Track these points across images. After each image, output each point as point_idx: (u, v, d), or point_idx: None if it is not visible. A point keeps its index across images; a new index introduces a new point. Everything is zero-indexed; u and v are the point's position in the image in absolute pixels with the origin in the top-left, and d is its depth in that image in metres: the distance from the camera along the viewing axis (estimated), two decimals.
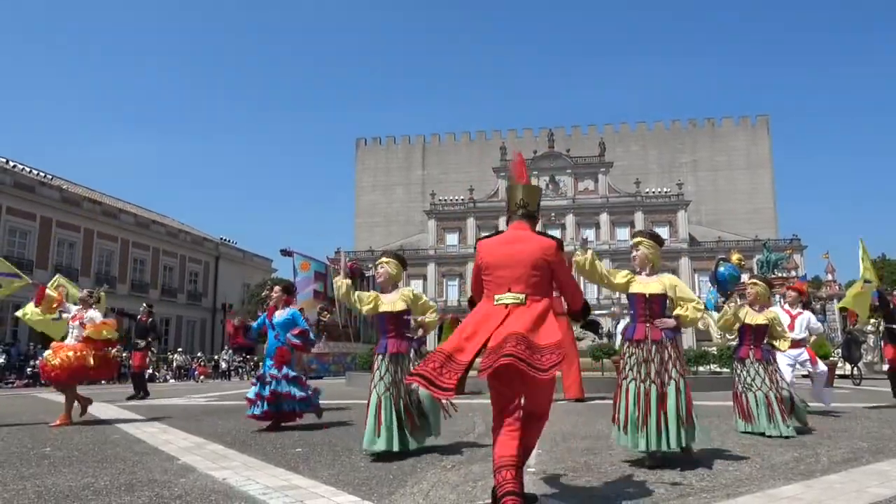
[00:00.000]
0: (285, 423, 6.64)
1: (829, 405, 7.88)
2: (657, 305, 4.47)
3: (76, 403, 7.59)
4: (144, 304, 13.99)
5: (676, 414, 4.26)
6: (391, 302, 4.99)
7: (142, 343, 12.91)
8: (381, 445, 4.66)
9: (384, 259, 5.18)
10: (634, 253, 4.67)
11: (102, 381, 13.74)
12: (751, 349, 6.02)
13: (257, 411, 6.57)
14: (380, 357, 4.98)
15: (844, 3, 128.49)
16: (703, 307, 4.62)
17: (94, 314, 7.58)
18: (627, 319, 5.28)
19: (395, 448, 4.68)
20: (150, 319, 13.34)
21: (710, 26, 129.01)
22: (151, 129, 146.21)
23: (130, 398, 11.92)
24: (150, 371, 20.89)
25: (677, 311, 4.47)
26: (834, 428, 6.41)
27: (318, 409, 6.81)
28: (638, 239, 4.69)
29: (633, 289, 4.52)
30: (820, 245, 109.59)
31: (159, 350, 32.82)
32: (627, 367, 4.45)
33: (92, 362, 7.31)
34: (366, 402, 4.94)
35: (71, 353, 7.30)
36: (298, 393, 6.58)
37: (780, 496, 3.46)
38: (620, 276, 4.56)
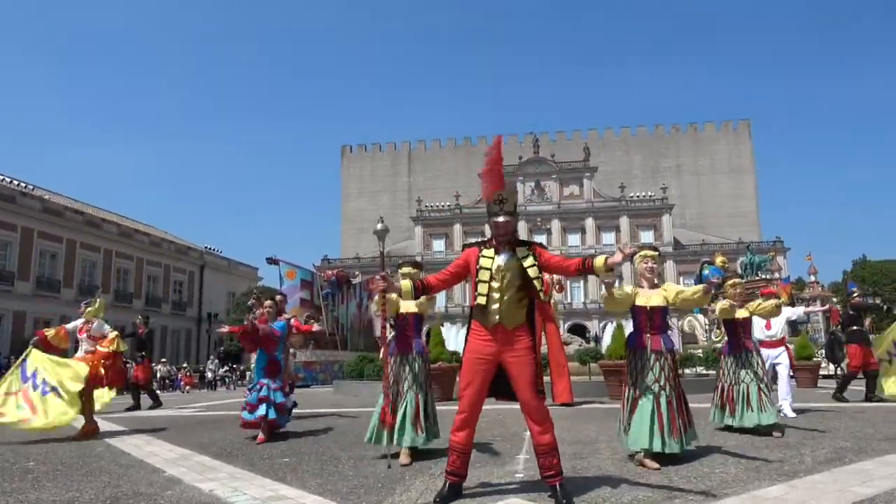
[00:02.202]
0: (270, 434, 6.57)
1: (788, 414, 7.50)
2: (658, 317, 4.70)
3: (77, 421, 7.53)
4: (140, 317, 14.16)
5: (683, 418, 4.52)
6: (406, 305, 5.36)
7: (140, 356, 13.18)
8: (419, 441, 4.95)
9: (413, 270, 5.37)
10: (651, 265, 4.84)
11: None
12: (742, 342, 6.20)
13: (253, 417, 6.47)
14: (409, 356, 5.24)
15: (826, 10, 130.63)
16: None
17: (103, 326, 7.64)
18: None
19: (431, 440, 5.04)
20: (146, 331, 13.52)
21: (693, 33, 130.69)
22: (134, 136, 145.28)
23: (146, 407, 12.28)
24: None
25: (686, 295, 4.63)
26: (817, 428, 6.49)
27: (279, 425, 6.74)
28: (653, 253, 4.89)
29: (636, 302, 4.74)
30: (802, 247, 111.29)
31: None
32: (630, 377, 4.70)
33: (103, 371, 7.35)
34: (385, 402, 5.07)
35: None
36: (280, 399, 6.59)
37: (766, 497, 3.50)
38: (628, 297, 4.73)
